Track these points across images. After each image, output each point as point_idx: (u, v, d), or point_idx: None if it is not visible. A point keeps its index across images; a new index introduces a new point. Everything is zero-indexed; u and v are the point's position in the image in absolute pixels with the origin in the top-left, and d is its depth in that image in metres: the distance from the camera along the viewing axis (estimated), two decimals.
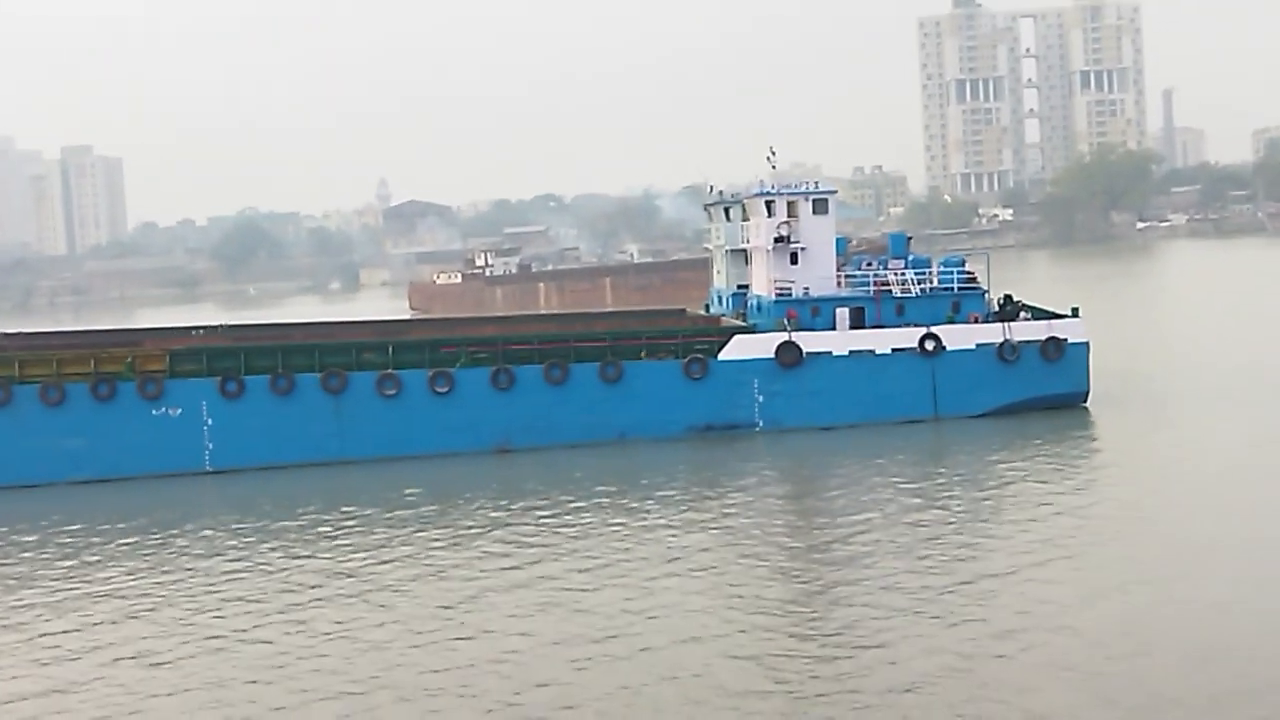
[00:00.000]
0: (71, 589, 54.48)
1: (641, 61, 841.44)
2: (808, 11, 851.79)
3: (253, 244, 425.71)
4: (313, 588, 52.70)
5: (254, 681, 41.72)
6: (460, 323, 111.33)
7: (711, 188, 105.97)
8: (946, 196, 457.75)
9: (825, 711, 37.00)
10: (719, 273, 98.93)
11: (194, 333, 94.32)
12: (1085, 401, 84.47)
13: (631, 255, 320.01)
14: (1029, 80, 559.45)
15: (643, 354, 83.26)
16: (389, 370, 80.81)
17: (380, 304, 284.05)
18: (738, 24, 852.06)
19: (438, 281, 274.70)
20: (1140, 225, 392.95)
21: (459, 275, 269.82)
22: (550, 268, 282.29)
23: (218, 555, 59.14)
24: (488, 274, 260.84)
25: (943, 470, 70.83)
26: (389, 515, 65.30)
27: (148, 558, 59.45)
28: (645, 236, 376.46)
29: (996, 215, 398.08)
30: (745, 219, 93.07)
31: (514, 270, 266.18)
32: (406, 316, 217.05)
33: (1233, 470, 65.62)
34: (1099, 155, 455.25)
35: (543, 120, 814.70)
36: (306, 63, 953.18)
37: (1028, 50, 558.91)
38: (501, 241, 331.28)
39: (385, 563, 56.18)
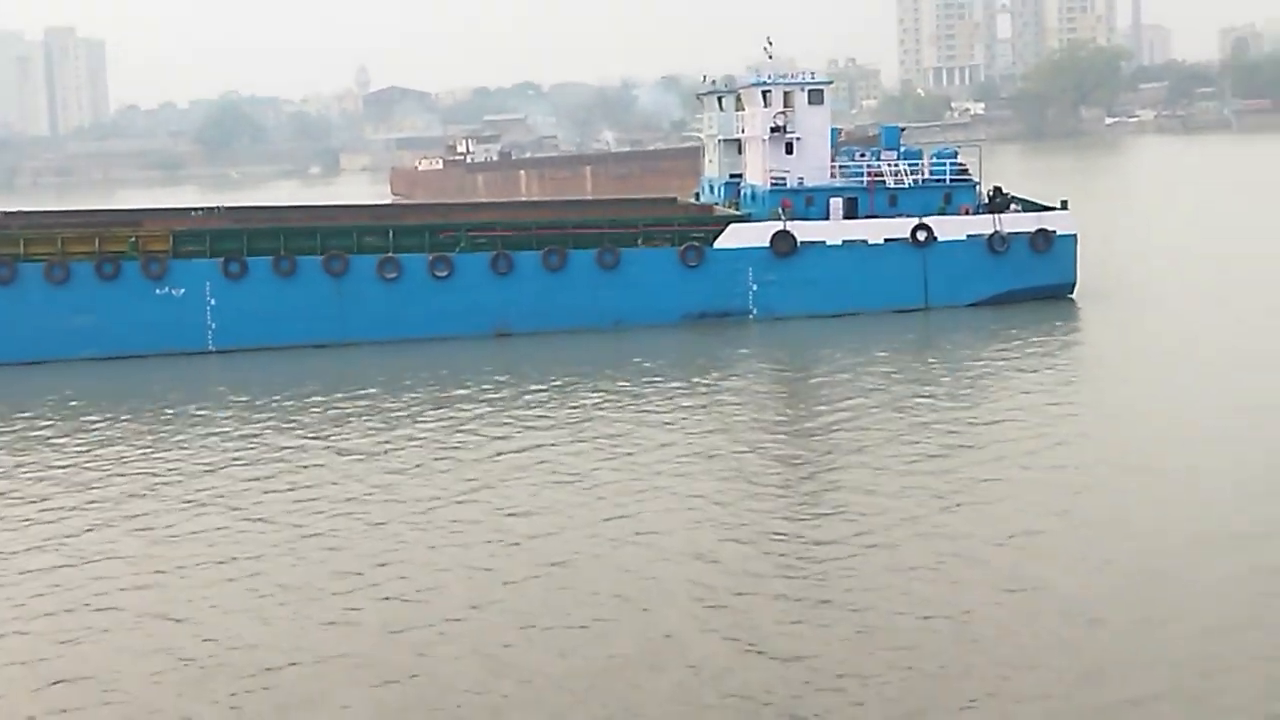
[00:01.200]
0: (75, 464, 54.40)
1: None
2: None
3: (234, 128, 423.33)
4: (317, 466, 52.60)
5: (259, 557, 41.66)
6: (458, 208, 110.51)
7: (705, 77, 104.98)
8: (919, 90, 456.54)
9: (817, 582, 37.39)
10: (710, 162, 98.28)
11: (193, 214, 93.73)
12: (1072, 293, 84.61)
13: (609, 144, 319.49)
14: None
15: (639, 241, 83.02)
16: (389, 254, 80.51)
17: (361, 189, 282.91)
18: None
19: (420, 167, 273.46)
20: (1109, 121, 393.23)
21: (440, 161, 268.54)
22: (529, 155, 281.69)
23: (220, 434, 58.99)
24: (469, 160, 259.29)
25: (932, 359, 70.80)
26: (391, 396, 65.23)
27: (151, 435, 59.37)
28: (622, 126, 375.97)
29: (969, 109, 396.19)
30: (739, 109, 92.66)
31: (495, 157, 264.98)
32: (388, 201, 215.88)
33: (1218, 355, 65.91)
34: (1069, 51, 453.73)
35: (521, 6, 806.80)
36: None
37: None
38: (481, 129, 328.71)
39: (387, 443, 56.06)
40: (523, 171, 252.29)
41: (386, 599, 37.57)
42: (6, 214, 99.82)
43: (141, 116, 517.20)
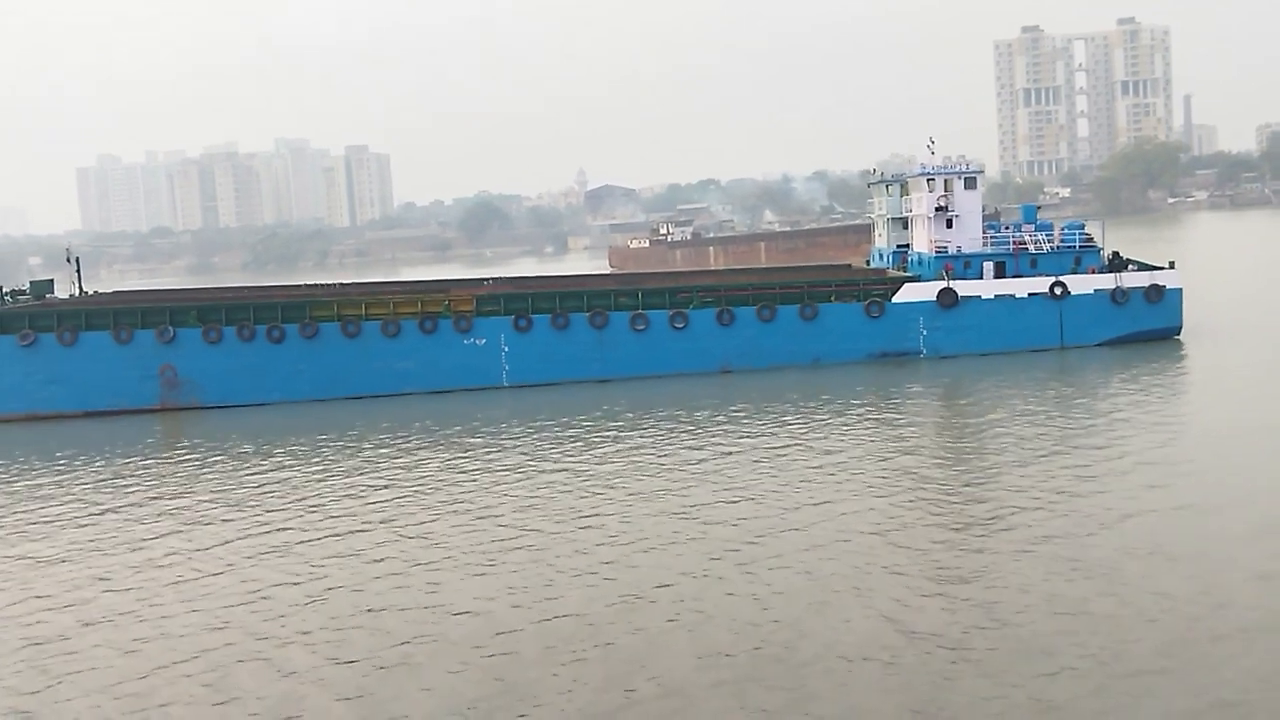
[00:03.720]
0: (402, 468, 55.71)
1: (767, 60, 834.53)
2: (900, 29, 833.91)
3: (487, 218, 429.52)
4: (593, 464, 53.11)
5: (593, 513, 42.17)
6: (687, 275, 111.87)
7: (875, 170, 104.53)
8: (1017, 179, 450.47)
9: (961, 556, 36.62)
10: (880, 235, 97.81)
11: (486, 283, 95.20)
12: (1179, 335, 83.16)
13: (774, 225, 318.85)
14: (1080, 88, 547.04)
15: (831, 298, 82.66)
16: (639, 310, 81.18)
17: (585, 263, 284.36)
18: (836, 41, 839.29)
19: (631, 245, 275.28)
20: (1171, 200, 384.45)
21: (647, 241, 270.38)
22: (714, 235, 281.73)
23: (515, 449, 59.84)
24: (670, 239, 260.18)
25: (1069, 387, 69.61)
26: (643, 417, 65.95)
27: (468, 445, 60.46)
28: (782, 210, 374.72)
29: (1058, 193, 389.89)
30: (904, 194, 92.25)
31: (689, 237, 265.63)
32: (607, 272, 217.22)
33: None
34: (1136, 146, 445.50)
35: (701, 114, 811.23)
36: (507, 57, 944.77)
37: (1080, 65, 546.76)
38: (675, 215, 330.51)
39: (639, 450, 56.62)
40: (711, 248, 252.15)
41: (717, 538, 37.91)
42: (349, 284, 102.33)
43: (417, 211, 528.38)
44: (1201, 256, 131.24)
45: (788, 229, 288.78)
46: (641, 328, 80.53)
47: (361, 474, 55.72)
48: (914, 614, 33.10)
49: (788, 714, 27.34)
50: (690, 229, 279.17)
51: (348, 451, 61.31)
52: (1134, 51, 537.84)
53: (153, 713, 29.42)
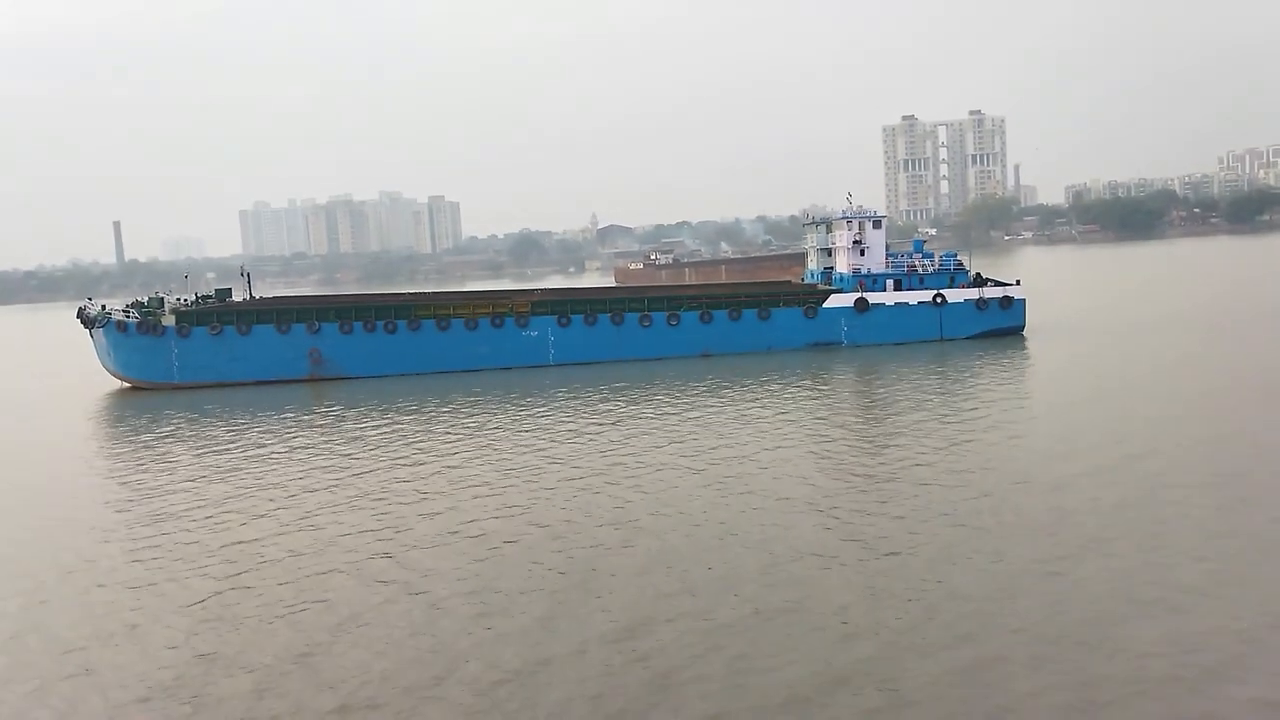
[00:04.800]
0: (481, 419, 55.44)
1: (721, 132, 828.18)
2: (822, 116, 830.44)
3: (528, 248, 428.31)
4: (612, 424, 52.81)
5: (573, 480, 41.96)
6: (678, 288, 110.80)
7: (808, 214, 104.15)
8: (899, 223, 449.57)
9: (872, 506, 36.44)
10: (811, 260, 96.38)
11: (537, 292, 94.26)
12: (1023, 331, 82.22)
13: (729, 253, 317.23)
14: (943, 159, 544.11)
15: (780, 304, 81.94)
16: (645, 311, 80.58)
17: (597, 280, 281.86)
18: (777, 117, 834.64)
19: (630, 267, 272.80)
20: (1006, 238, 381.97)
21: (642, 264, 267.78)
22: (687, 260, 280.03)
23: (559, 405, 59.66)
24: (657, 263, 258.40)
25: (946, 366, 68.93)
26: (651, 387, 65.14)
27: (526, 405, 60.22)
28: (735, 243, 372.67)
29: (929, 232, 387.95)
30: (829, 231, 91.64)
31: (670, 261, 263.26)
32: (613, 284, 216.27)
33: (1111, 367, 63.57)
34: (982, 200, 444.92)
35: (676, 167, 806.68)
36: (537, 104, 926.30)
37: (942, 143, 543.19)
38: (660, 246, 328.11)
39: (643, 409, 56.20)
40: (686, 269, 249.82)
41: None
42: (440, 292, 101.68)
43: (479, 242, 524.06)
44: (1033, 277, 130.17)
45: (739, 256, 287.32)
46: (647, 324, 79.94)
47: (451, 424, 55.57)
48: (834, 532, 32.95)
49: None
50: (671, 256, 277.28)
51: (444, 409, 61.14)
52: (980, 134, 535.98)
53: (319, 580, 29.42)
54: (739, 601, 26.61)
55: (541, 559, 30.93)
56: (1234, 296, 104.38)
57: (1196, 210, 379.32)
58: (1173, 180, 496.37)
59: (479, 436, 51.42)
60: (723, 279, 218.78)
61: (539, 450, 46.86)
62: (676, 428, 50.64)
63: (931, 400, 55.10)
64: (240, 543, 34.39)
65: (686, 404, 57.90)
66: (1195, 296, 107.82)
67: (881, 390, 60.96)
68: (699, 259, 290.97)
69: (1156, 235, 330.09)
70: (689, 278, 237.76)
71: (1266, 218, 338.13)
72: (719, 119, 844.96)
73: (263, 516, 37.77)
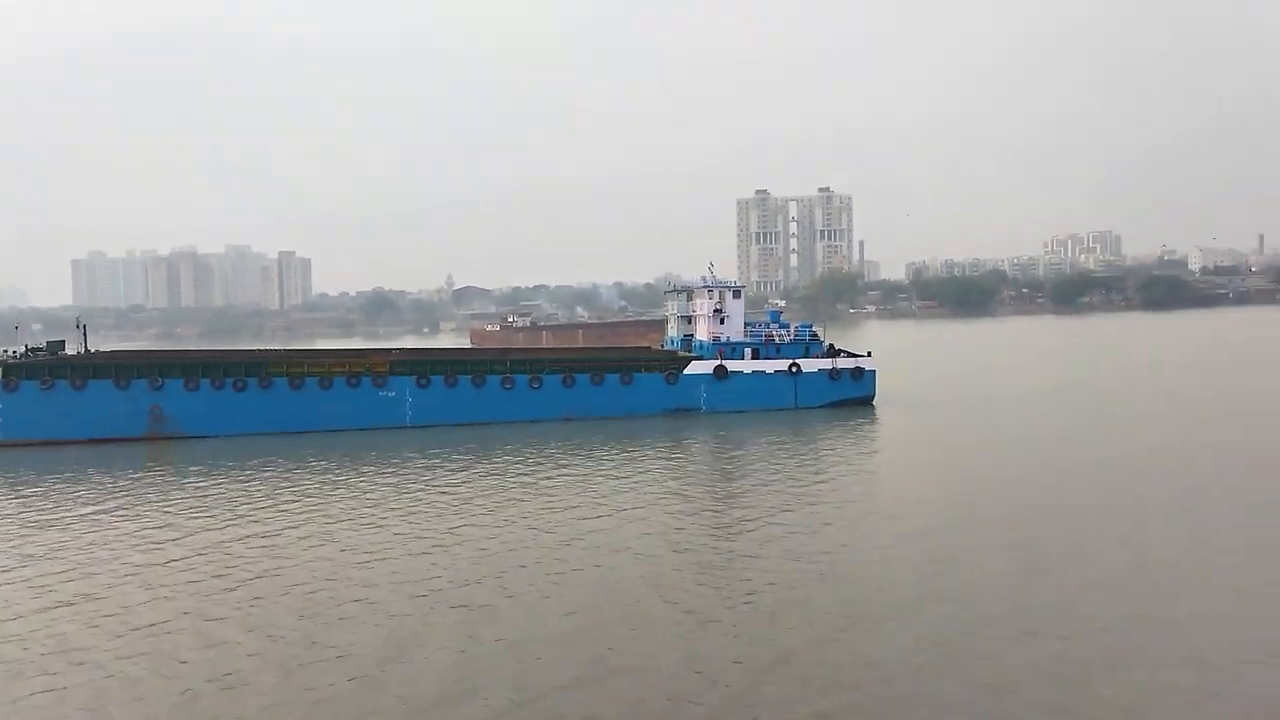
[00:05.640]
0: (329, 478, 53.71)
1: (578, 199, 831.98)
2: (676, 188, 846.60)
3: (381, 306, 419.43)
4: (466, 480, 51.92)
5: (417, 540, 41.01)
6: (541, 351, 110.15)
7: (670, 282, 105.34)
8: (750, 293, 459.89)
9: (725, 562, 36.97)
10: (672, 327, 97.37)
11: (394, 352, 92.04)
12: (873, 401, 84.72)
13: (586, 318, 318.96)
14: (793, 233, 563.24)
15: (642, 369, 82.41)
16: (508, 374, 79.72)
17: (452, 341, 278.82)
18: (632, 192, 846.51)
19: (487, 329, 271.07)
20: (851, 311, 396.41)
21: (499, 326, 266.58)
22: (544, 323, 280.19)
23: (410, 466, 58.26)
24: (514, 325, 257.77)
25: (801, 432, 70.56)
26: (507, 449, 64.18)
27: (378, 465, 58.56)
28: (592, 308, 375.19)
29: (779, 303, 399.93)
30: (690, 300, 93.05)
31: (528, 324, 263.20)
32: (469, 346, 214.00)
33: (951, 438, 66.39)
34: (829, 274, 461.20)
35: (537, 232, 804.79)
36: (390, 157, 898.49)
37: (793, 217, 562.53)
38: (518, 308, 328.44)
39: (496, 473, 55.54)
40: (544, 331, 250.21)
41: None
42: (292, 350, 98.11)
43: (330, 300, 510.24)
44: (878, 349, 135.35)
45: (596, 321, 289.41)
46: (509, 386, 79.05)
47: (292, 482, 53.38)
48: (684, 590, 33.06)
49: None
50: (529, 319, 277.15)
51: (289, 468, 58.71)
52: (828, 210, 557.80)
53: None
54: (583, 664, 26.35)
55: (358, 633, 29.80)
56: (1062, 370, 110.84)
57: (1025, 290, 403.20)
58: (1003, 261, 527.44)
59: (329, 498, 49.48)
60: (580, 343, 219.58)
61: (386, 515, 45.40)
62: (535, 491, 50.01)
63: (785, 467, 56.17)
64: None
65: (547, 467, 57.32)
66: (1028, 371, 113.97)
67: (738, 456, 61.75)
68: (556, 323, 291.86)
69: (989, 313, 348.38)
70: (546, 341, 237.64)
71: (1087, 299, 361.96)
72: (584, 195, 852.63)
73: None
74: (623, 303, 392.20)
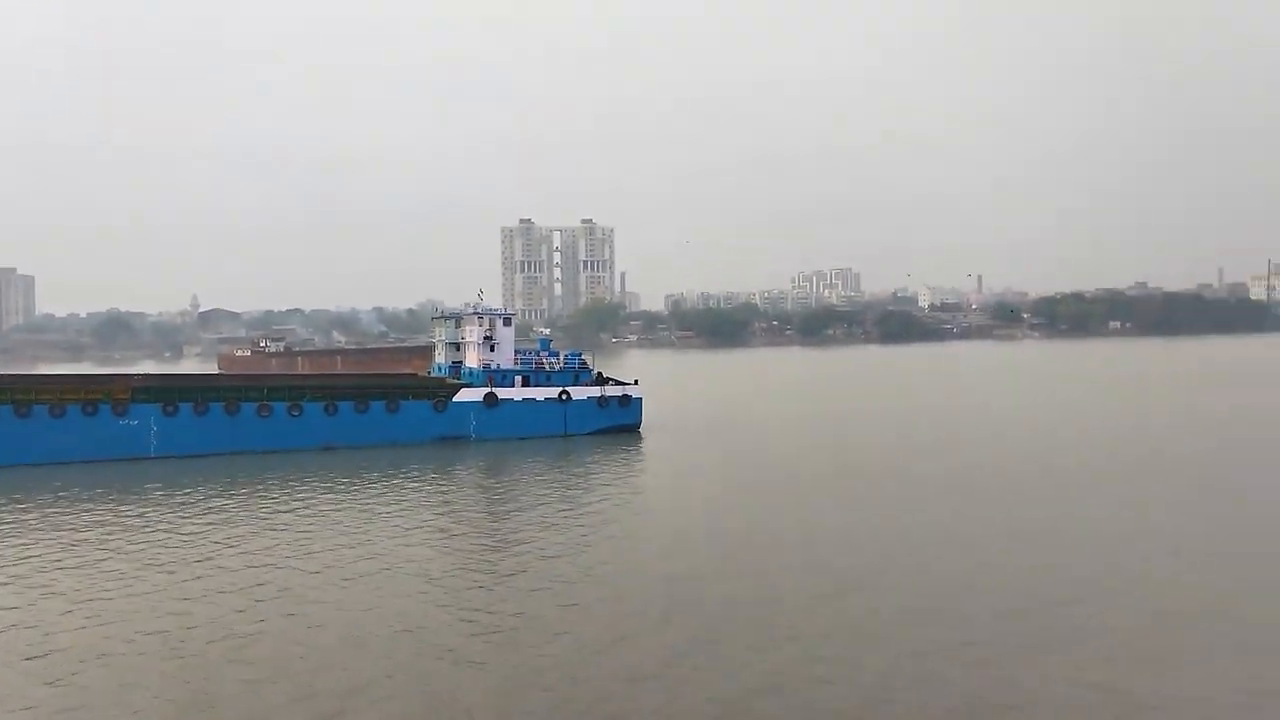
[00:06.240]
0: (57, 520, 49.60)
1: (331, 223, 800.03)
2: (441, 214, 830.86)
3: (116, 329, 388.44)
4: (222, 520, 49.48)
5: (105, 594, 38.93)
6: (301, 377, 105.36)
7: (438, 308, 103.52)
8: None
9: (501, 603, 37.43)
10: (440, 354, 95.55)
11: (137, 378, 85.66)
12: (640, 429, 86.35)
13: (344, 343, 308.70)
14: (557, 263, 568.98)
15: (409, 396, 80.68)
16: (265, 401, 75.95)
17: (196, 366, 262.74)
18: (396, 215, 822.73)
19: (237, 354, 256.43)
20: (614, 340, 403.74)
21: (250, 351, 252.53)
22: (299, 348, 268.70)
23: (156, 499, 54.63)
24: (267, 350, 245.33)
25: (569, 459, 71.23)
26: (263, 481, 61.31)
27: (120, 498, 54.46)
28: (351, 334, 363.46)
29: (544, 332, 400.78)
30: (459, 326, 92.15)
31: (282, 349, 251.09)
32: (217, 371, 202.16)
33: (710, 465, 68.96)
34: (593, 304, 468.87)
35: (290, 253, 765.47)
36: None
37: (557, 248, 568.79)
38: (271, 333, 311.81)
39: (257, 507, 53.20)
40: (299, 357, 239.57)
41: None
42: (24, 375, 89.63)
43: (57, 321, 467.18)
44: (642, 377, 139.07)
45: (356, 347, 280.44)
46: (266, 414, 75.33)
47: (30, 525, 48.79)
48: (441, 621, 32.94)
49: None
50: (283, 344, 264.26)
51: (17, 509, 53.54)
52: (591, 242, 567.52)
53: None
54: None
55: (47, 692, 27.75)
56: (804, 397, 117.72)
57: (775, 323, 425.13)
58: (754, 294, 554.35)
59: (64, 538, 45.49)
60: (339, 369, 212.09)
61: (128, 555, 42.30)
62: (291, 525, 47.98)
63: (553, 494, 56.67)
64: None
65: (305, 500, 55.08)
66: (777, 398, 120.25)
67: (508, 483, 61.64)
68: (313, 348, 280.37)
69: (742, 343, 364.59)
70: (302, 367, 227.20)
71: (831, 332, 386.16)
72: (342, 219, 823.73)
73: None
74: (383, 328, 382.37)
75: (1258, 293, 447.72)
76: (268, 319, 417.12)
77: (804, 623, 32.26)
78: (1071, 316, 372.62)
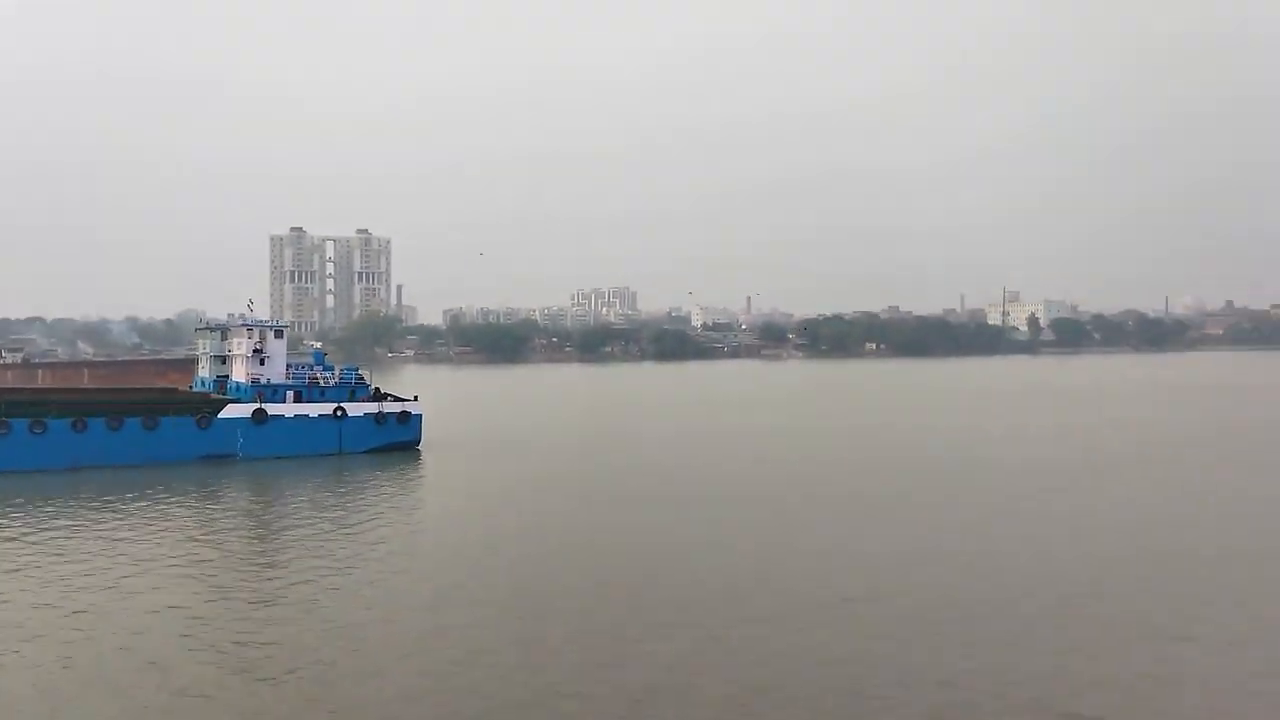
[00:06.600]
0: None
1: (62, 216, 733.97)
2: (207, 220, 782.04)
3: None
4: None
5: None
6: (48, 391, 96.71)
7: (201, 318, 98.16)
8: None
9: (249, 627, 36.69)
10: (204, 367, 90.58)
11: None
12: (419, 446, 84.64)
13: (91, 355, 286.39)
14: (330, 274, 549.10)
15: (170, 412, 75.92)
16: (2, 418, 69.53)
17: None
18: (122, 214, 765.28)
19: None
20: (390, 355, 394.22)
21: None
22: (39, 360, 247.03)
23: None
24: (4, 363, 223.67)
25: (344, 479, 69.16)
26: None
27: None
28: (100, 346, 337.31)
29: (315, 345, 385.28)
30: (225, 339, 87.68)
31: (19, 361, 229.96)
32: None
33: (489, 482, 68.86)
34: (367, 317, 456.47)
35: (32, 253, 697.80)
36: None
37: (330, 258, 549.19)
38: (7, 343, 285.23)
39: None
40: (39, 370, 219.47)
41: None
42: None
43: None
44: (420, 393, 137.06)
45: (105, 359, 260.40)
46: (3, 431, 69.01)
47: None
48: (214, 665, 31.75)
49: None
50: (21, 354, 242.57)
51: None
52: (367, 253, 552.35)
53: None
54: None
55: None
56: (590, 415, 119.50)
57: (554, 339, 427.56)
58: (535, 310, 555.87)
59: None
60: (85, 383, 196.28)
61: None
62: (21, 553, 44.22)
63: (324, 516, 54.63)
64: None
65: (45, 527, 50.81)
66: (558, 416, 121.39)
67: (276, 505, 59.23)
68: (55, 360, 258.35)
69: (522, 360, 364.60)
70: (42, 381, 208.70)
71: (609, 349, 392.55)
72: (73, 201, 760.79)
73: None
74: (137, 340, 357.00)
75: (994, 318, 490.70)
76: (4, 328, 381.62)
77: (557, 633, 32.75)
78: (832, 337, 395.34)
